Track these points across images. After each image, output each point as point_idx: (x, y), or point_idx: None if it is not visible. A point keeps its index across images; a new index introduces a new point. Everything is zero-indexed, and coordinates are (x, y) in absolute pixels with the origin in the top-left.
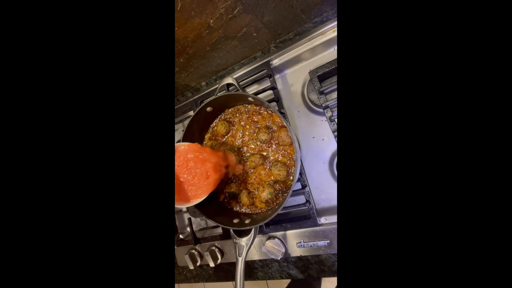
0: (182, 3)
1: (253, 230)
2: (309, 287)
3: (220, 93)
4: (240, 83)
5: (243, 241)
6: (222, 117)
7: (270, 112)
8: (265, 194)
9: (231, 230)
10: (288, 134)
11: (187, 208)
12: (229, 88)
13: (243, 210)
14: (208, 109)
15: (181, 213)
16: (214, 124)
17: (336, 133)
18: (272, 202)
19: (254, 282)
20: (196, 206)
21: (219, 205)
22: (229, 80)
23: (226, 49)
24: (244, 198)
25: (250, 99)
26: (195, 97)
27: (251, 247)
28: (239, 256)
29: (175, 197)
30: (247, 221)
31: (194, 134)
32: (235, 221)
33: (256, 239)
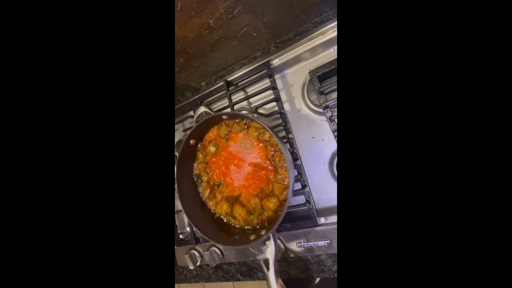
0: (182, 3)
1: (271, 237)
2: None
3: (198, 120)
4: (240, 83)
5: (268, 253)
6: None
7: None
8: (272, 204)
9: (251, 249)
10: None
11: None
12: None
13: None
14: (192, 142)
15: (181, 213)
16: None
17: (336, 133)
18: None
19: (254, 282)
20: (211, 238)
21: (231, 228)
22: (201, 109)
23: (226, 49)
24: (239, 212)
25: (224, 117)
26: (195, 97)
27: (250, 249)
28: (268, 271)
29: None
30: (263, 232)
31: (185, 169)
32: (252, 237)
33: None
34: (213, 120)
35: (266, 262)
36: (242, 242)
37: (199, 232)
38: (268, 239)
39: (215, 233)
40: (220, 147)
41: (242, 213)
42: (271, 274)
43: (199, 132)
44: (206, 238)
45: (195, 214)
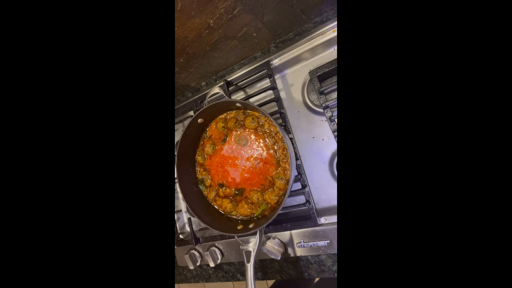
0: (182, 3)
1: (258, 233)
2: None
3: (210, 101)
4: (240, 83)
5: (250, 246)
6: (214, 125)
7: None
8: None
9: (236, 237)
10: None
11: (187, 208)
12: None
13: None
14: (199, 120)
15: (181, 213)
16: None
17: (336, 133)
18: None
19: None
20: (199, 217)
21: (220, 214)
22: (215, 89)
23: (226, 49)
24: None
25: (238, 104)
26: (195, 97)
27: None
28: (248, 263)
29: None
30: (251, 226)
31: (189, 147)
32: (239, 227)
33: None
34: (225, 105)
35: (248, 254)
36: (230, 230)
37: (191, 210)
38: (255, 234)
39: (205, 214)
40: (216, 147)
41: (248, 210)
42: (250, 265)
43: (209, 113)
44: (202, 222)
45: (191, 195)
